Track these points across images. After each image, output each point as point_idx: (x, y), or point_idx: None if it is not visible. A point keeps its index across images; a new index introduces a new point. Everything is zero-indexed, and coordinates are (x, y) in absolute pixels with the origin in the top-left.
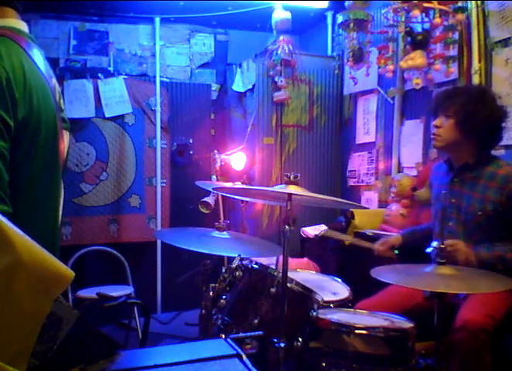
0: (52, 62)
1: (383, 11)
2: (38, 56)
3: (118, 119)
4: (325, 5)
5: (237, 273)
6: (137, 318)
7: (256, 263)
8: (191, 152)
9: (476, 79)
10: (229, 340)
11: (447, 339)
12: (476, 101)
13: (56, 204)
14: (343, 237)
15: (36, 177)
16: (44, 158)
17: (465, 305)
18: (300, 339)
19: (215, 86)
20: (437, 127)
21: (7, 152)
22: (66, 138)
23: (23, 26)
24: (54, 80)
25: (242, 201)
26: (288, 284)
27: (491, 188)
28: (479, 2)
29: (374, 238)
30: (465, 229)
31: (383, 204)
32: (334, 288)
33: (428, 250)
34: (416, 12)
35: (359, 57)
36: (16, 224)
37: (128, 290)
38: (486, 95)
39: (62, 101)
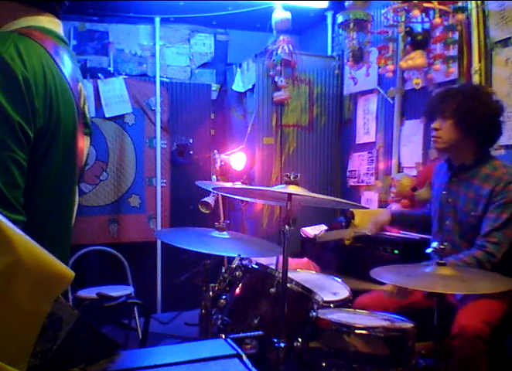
0: None
1: (383, 11)
2: (65, 59)
3: (118, 119)
4: (325, 5)
5: (237, 274)
6: (137, 318)
7: (256, 264)
8: (191, 152)
9: (476, 79)
10: (229, 340)
11: (447, 340)
12: (471, 99)
13: (70, 214)
14: (342, 235)
15: (50, 186)
16: (60, 167)
17: (463, 311)
18: (300, 339)
19: (215, 86)
20: (436, 129)
21: (25, 162)
22: (86, 144)
23: (54, 25)
24: (80, 85)
25: (242, 201)
26: (288, 284)
27: (484, 189)
28: (479, 2)
29: (374, 238)
30: (461, 229)
31: (383, 204)
32: (334, 288)
33: (428, 250)
34: (416, 12)
35: (359, 57)
36: (29, 232)
37: (128, 290)
38: (480, 92)
39: (87, 107)
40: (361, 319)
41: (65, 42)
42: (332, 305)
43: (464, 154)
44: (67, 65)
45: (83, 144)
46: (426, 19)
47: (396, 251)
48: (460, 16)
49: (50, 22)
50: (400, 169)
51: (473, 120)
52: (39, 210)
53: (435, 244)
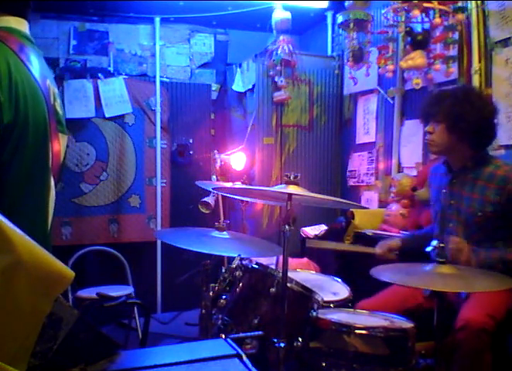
0: (52, 62)
1: (383, 11)
2: (32, 57)
3: (118, 119)
4: (325, 5)
5: (237, 273)
6: (137, 318)
7: (256, 263)
8: (191, 152)
9: (476, 79)
10: (229, 340)
11: (447, 340)
12: (463, 103)
13: (45, 210)
14: (342, 247)
15: (22, 182)
16: (31, 162)
17: (466, 305)
18: (300, 339)
19: (215, 86)
20: (430, 133)
21: None
22: (62, 142)
23: (20, 24)
24: (49, 82)
25: (242, 201)
26: (288, 284)
27: (490, 188)
28: (479, 2)
29: (374, 238)
30: (466, 230)
31: (383, 204)
32: (334, 288)
33: (428, 249)
34: (416, 12)
35: (359, 57)
36: None
37: (128, 290)
38: (473, 95)
39: (58, 103)
40: (361, 319)
41: (31, 41)
42: (332, 305)
43: (460, 157)
44: (34, 62)
45: (59, 142)
46: (426, 19)
47: (396, 251)
48: (460, 16)
49: (16, 22)
50: (400, 169)
51: (465, 124)
52: (12, 203)
53: (434, 243)
